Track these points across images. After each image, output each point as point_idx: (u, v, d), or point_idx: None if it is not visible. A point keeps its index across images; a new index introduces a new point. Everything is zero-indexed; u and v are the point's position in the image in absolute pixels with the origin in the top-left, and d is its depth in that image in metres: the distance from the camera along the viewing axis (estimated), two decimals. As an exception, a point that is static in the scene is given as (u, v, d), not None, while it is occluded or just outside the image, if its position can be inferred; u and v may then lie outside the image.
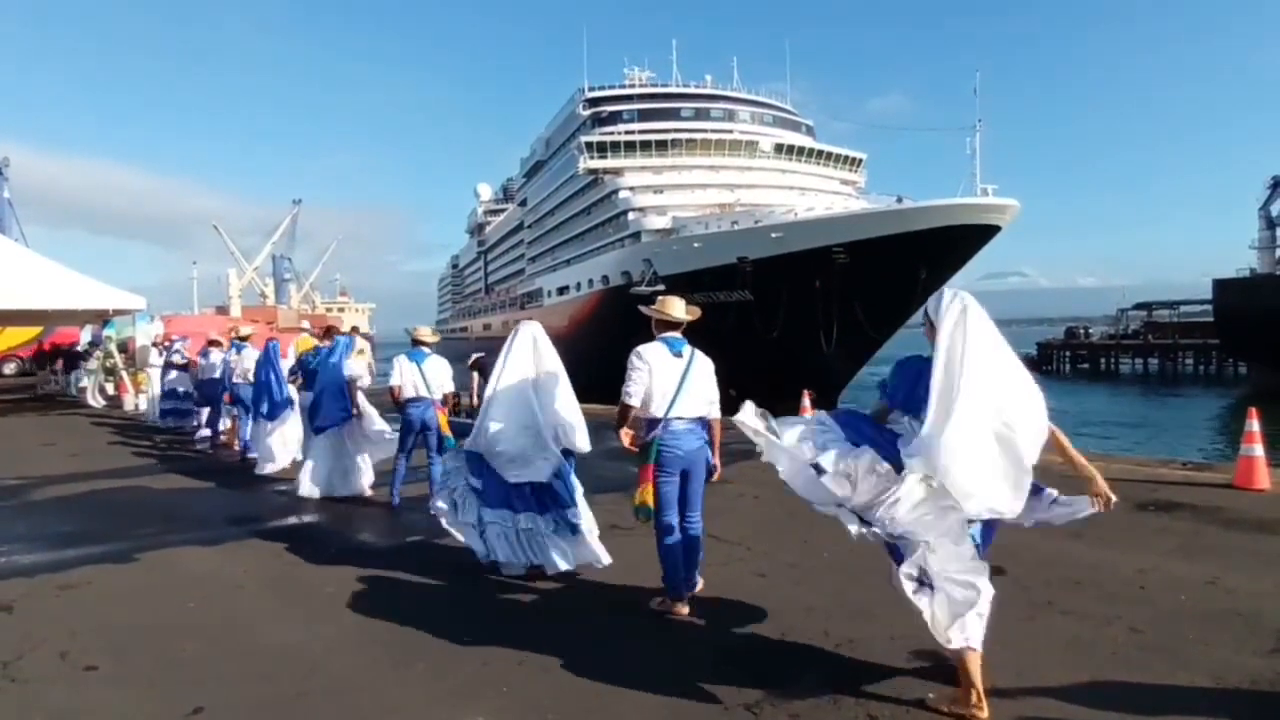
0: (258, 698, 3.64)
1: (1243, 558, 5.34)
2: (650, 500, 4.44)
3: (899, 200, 32.11)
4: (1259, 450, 7.42)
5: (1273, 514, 6.43)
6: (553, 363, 5.29)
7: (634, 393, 4.44)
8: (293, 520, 7.28)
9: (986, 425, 3.09)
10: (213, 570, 5.70)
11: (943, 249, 29.27)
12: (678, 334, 4.65)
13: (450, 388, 7.56)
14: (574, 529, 5.07)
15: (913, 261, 28.40)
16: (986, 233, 30.50)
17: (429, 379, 7.33)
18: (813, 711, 3.35)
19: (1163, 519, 6.45)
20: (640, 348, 4.52)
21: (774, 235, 31.58)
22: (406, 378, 7.35)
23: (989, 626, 3.22)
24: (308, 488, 7.97)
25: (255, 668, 3.98)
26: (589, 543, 5.11)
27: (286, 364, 9.74)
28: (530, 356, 5.28)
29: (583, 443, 5.17)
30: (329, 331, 9.14)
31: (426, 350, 7.46)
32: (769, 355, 30.37)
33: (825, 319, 30.32)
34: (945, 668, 3.57)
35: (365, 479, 8.11)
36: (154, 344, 17.27)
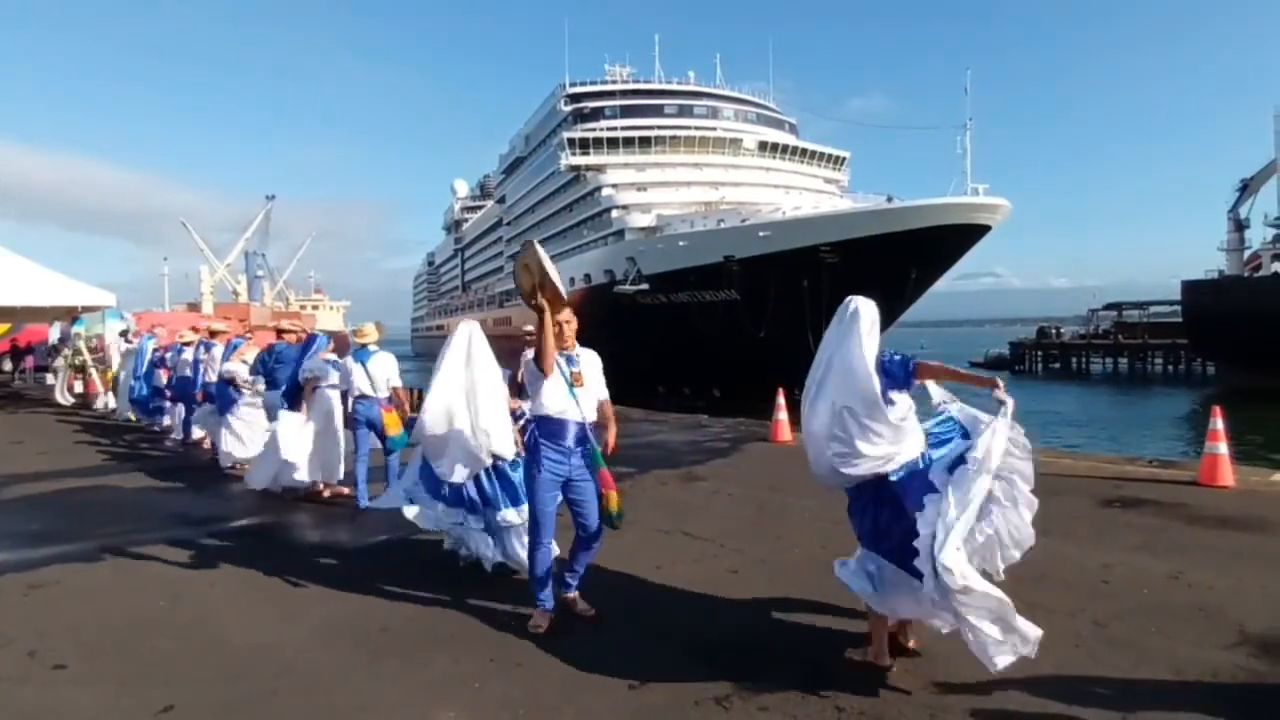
0: (229, 696, 3.62)
1: (1206, 553, 5.45)
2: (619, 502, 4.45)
3: (889, 200, 32.14)
4: (1223, 448, 7.55)
5: (1236, 511, 6.56)
6: (484, 365, 5.23)
7: None
8: (263, 519, 7.21)
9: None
10: (183, 569, 5.65)
11: (933, 248, 29.30)
12: None
13: (398, 382, 7.58)
14: (499, 531, 5.19)
15: (903, 261, 28.43)
16: (977, 232, 30.58)
17: (373, 376, 7.39)
18: (782, 705, 3.39)
19: (1128, 515, 6.57)
20: None
21: (762, 234, 31.52)
22: (355, 379, 7.45)
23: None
24: (288, 478, 7.90)
25: (226, 666, 3.96)
26: (516, 545, 5.17)
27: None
28: (464, 358, 5.22)
29: (502, 448, 5.16)
30: (281, 333, 9.10)
31: (372, 348, 7.50)
32: (756, 355, 30.35)
33: (813, 319, 30.32)
34: (909, 657, 3.74)
35: (337, 477, 8.04)
36: (123, 335, 17.03)
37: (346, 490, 7.82)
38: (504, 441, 5.16)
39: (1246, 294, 41.70)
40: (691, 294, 33.51)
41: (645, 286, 34.51)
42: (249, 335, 10.52)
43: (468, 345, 5.23)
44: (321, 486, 8.00)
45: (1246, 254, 48.14)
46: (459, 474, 5.16)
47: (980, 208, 29.71)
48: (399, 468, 7.61)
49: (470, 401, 5.11)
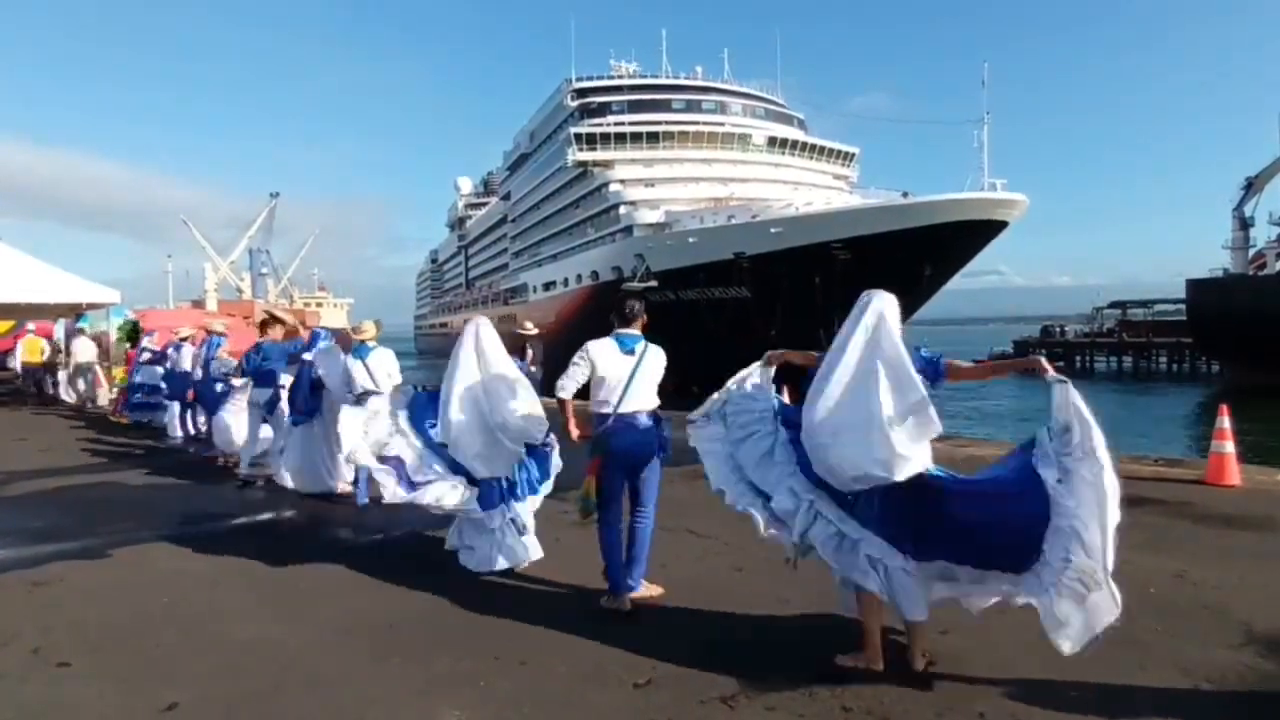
0: (233, 693, 3.62)
1: (1211, 553, 5.43)
2: (593, 493, 4.55)
3: (905, 195, 31.84)
4: (1229, 447, 7.52)
5: (1241, 510, 6.53)
6: (496, 358, 5.24)
7: (566, 386, 4.52)
8: (267, 516, 7.22)
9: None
10: (186, 566, 5.65)
11: (949, 245, 28.88)
12: (633, 331, 4.63)
13: (399, 379, 7.56)
14: (520, 528, 5.22)
15: (918, 258, 28.06)
16: (994, 228, 30.18)
17: (374, 372, 7.37)
18: (788, 703, 3.38)
19: (1133, 513, 6.47)
20: (588, 343, 4.56)
21: (773, 230, 31.20)
22: (355, 375, 7.44)
23: (962, 618, 3.30)
24: (284, 479, 7.95)
25: (230, 663, 3.96)
26: (524, 542, 5.24)
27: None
28: (474, 354, 5.22)
29: (536, 432, 5.19)
30: (267, 323, 9.16)
31: (370, 345, 7.49)
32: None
33: (825, 316, 29.95)
34: (907, 656, 3.69)
35: (341, 476, 8.03)
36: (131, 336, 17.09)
37: (347, 488, 7.82)
38: (532, 425, 5.16)
39: (1251, 292, 41.57)
40: (700, 291, 33.30)
41: (654, 284, 34.27)
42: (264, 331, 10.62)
43: (475, 340, 5.23)
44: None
45: (1251, 252, 47.94)
46: (497, 468, 5.19)
47: (998, 203, 29.36)
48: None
49: (487, 396, 5.12)
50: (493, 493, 5.23)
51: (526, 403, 5.18)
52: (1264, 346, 38.42)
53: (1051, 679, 3.54)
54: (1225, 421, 7.59)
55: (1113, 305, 65.75)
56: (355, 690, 3.63)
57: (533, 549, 5.27)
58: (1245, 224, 48.27)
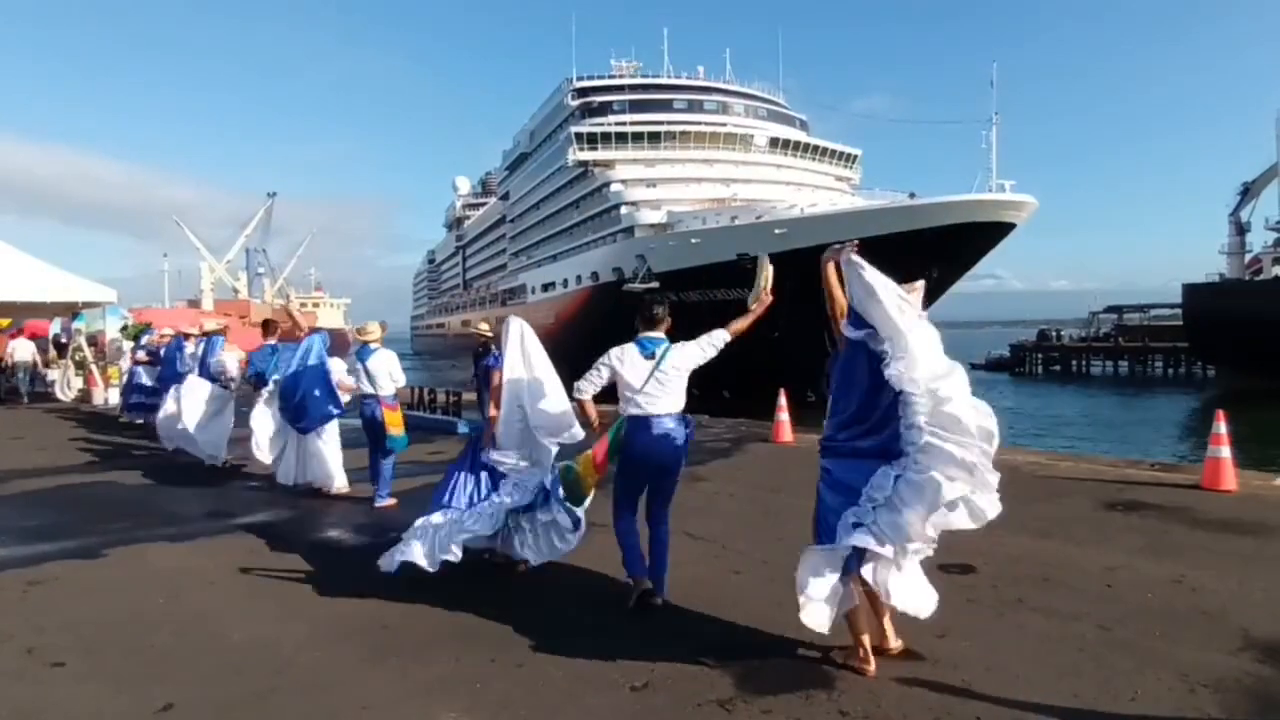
0: (228, 694, 3.61)
1: (1209, 557, 5.43)
2: (585, 470, 4.77)
3: (911, 196, 31.67)
4: (1226, 452, 7.51)
5: (1238, 515, 6.53)
6: (539, 359, 5.17)
7: (584, 389, 4.53)
8: (264, 516, 7.20)
9: None
10: (182, 565, 5.64)
11: (956, 247, 28.54)
12: (655, 333, 4.61)
13: (402, 381, 7.59)
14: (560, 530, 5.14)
15: (924, 260, 27.99)
16: (1001, 230, 29.99)
17: (373, 374, 7.37)
18: (785, 707, 3.37)
19: (1131, 518, 6.55)
20: (611, 349, 4.55)
21: (778, 231, 31.00)
22: (353, 376, 7.54)
23: (960, 621, 3.29)
24: (283, 475, 7.97)
25: (226, 663, 3.94)
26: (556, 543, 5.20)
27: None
28: (519, 355, 5.14)
29: (570, 427, 5.07)
30: (268, 325, 9.19)
31: (373, 346, 7.48)
32: (770, 357, 30.02)
33: (830, 319, 29.54)
34: (904, 659, 3.70)
35: (339, 475, 8.02)
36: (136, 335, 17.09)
37: (345, 488, 7.79)
38: (563, 422, 5.05)
39: (1247, 297, 41.71)
40: (703, 293, 33.16)
41: (655, 285, 33.94)
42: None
43: (520, 341, 5.15)
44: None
45: (1247, 257, 48.10)
46: (533, 473, 5.14)
47: (1007, 205, 29.17)
48: (390, 470, 7.54)
49: (529, 399, 5.06)
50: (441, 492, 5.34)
51: (563, 401, 5.08)
52: (1260, 351, 38.55)
53: (1048, 683, 3.53)
54: (1222, 426, 7.59)
55: (1109, 309, 65.87)
56: (351, 691, 3.62)
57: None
58: (1241, 229, 48.43)
